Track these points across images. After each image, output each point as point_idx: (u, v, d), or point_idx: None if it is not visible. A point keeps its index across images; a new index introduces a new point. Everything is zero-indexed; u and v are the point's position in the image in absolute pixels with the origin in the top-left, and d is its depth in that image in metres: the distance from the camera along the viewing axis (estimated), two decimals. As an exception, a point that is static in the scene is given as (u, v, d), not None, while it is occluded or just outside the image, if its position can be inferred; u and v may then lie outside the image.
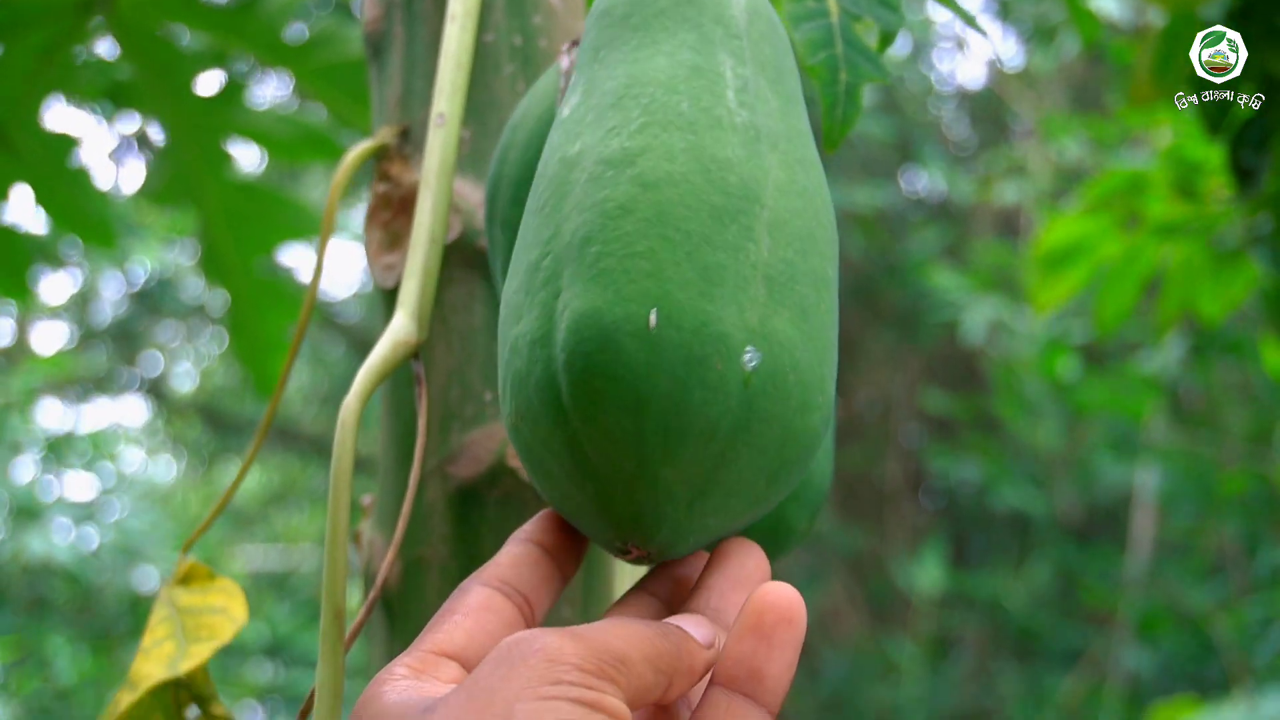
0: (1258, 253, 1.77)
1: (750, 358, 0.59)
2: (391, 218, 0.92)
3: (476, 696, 0.53)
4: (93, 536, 3.79)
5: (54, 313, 5.30)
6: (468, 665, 0.59)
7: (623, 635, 0.56)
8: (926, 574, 4.51)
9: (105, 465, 4.48)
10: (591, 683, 0.53)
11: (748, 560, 0.64)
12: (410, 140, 0.94)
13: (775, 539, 0.91)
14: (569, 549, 0.65)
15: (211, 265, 1.70)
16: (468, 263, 0.90)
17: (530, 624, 0.63)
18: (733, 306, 0.59)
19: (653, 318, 0.58)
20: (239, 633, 0.88)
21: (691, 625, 0.60)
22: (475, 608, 0.61)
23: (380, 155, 0.93)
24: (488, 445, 0.89)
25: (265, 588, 5.03)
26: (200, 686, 0.86)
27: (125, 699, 0.84)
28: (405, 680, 0.57)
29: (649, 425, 0.59)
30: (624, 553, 0.62)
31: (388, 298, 0.93)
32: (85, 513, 3.93)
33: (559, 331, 0.60)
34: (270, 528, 6.02)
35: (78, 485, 4.23)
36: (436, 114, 0.81)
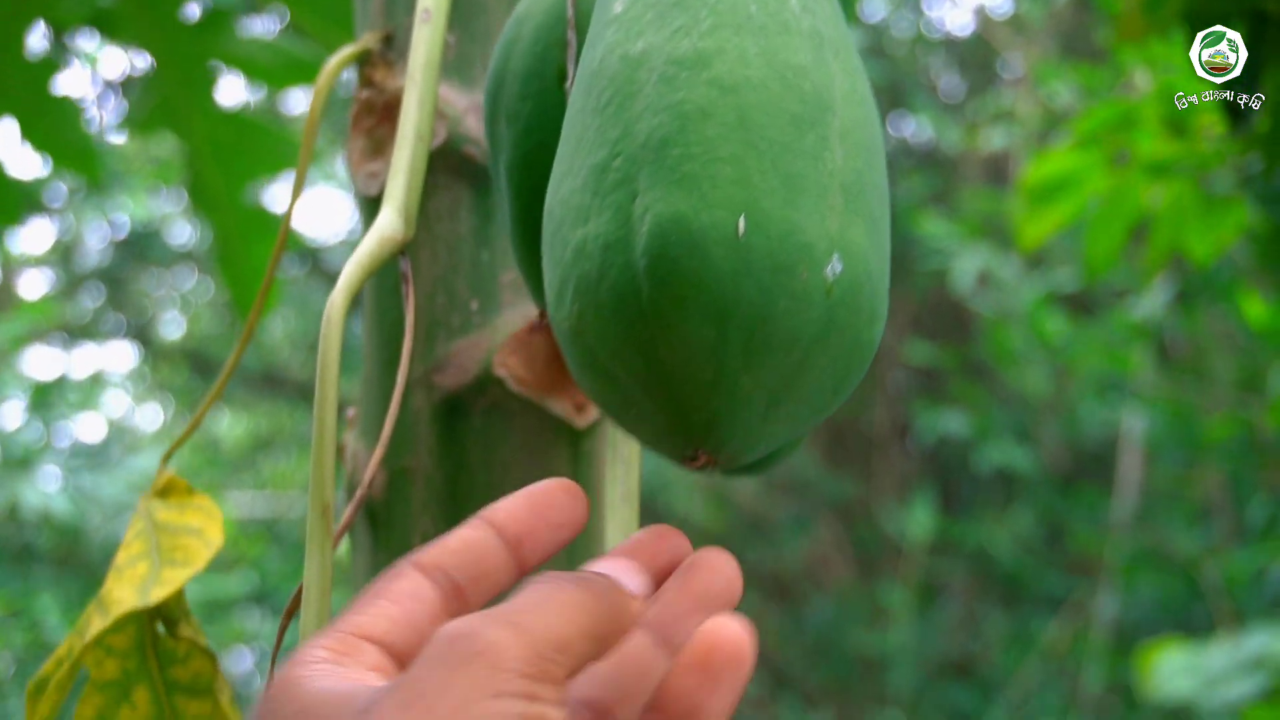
0: (1248, 193, 1.76)
1: (834, 267, 0.59)
2: (375, 124, 0.91)
3: (414, 704, 0.50)
4: (85, 484, 3.77)
5: (39, 262, 5.28)
6: (390, 650, 0.56)
7: (563, 613, 0.53)
8: (916, 521, 4.52)
9: (93, 413, 4.46)
10: (534, 690, 0.51)
11: (717, 578, 0.60)
12: (394, 47, 0.93)
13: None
14: (539, 539, 0.60)
15: (199, 196, 1.69)
16: (453, 169, 0.89)
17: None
18: (815, 216, 0.59)
19: (741, 225, 0.58)
20: (213, 558, 0.86)
21: (624, 574, 0.59)
22: (403, 595, 0.57)
23: (364, 61, 0.92)
24: (474, 355, 0.88)
25: (254, 534, 5.02)
26: (171, 610, 0.85)
27: (96, 623, 0.83)
28: (325, 664, 0.54)
29: (733, 333, 0.58)
30: (691, 460, 0.62)
31: (371, 207, 0.92)
32: (77, 461, 3.91)
33: (639, 236, 0.59)
34: (258, 474, 6.02)
35: (66, 432, 4.21)
36: (422, 10, 0.80)
